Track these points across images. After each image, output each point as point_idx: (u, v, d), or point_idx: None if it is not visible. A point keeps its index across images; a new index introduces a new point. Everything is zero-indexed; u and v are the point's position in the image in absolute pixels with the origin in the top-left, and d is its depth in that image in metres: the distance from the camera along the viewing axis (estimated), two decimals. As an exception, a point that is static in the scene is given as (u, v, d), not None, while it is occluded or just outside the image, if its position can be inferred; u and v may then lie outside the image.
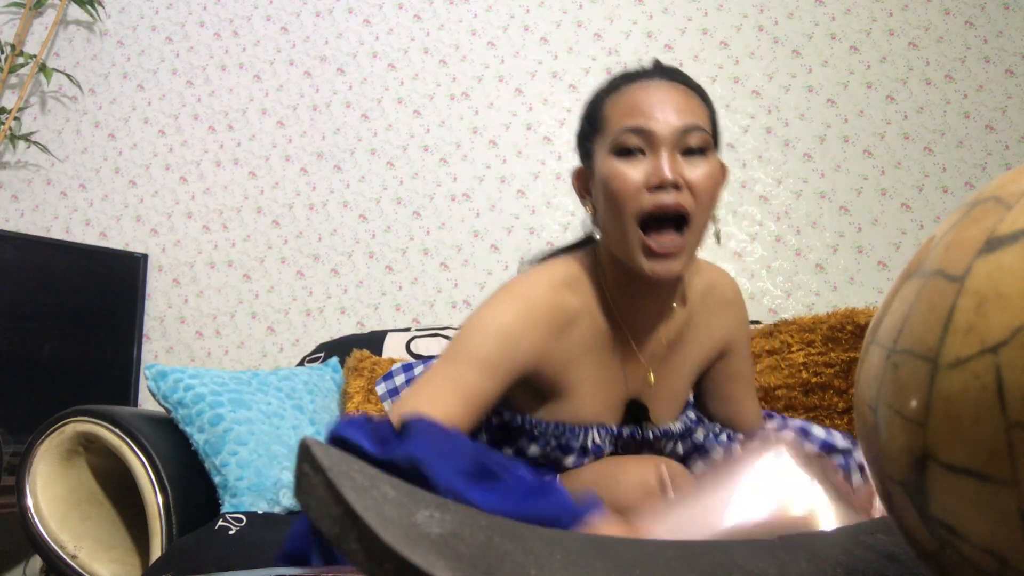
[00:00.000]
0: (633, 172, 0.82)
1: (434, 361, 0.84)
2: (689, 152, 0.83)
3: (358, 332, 1.97)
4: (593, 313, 0.90)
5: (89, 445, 1.32)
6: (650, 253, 0.82)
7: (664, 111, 0.82)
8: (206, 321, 2.07)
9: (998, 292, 0.27)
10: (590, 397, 0.90)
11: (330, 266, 2.06)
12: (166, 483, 1.26)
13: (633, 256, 0.83)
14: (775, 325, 1.58)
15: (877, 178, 1.96)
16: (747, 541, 0.48)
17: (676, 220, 0.82)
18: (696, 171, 0.82)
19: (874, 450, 0.34)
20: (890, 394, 0.32)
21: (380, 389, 1.17)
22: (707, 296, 0.98)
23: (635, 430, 0.93)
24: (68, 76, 2.16)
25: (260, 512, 1.32)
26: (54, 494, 1.29)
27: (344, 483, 0.32)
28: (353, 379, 1.64)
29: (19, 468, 1.28)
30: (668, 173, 0.80)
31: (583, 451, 0.90)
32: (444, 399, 0.77)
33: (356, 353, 1.69)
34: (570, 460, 0.91)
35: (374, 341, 1.78)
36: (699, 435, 1.01)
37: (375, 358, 1.69)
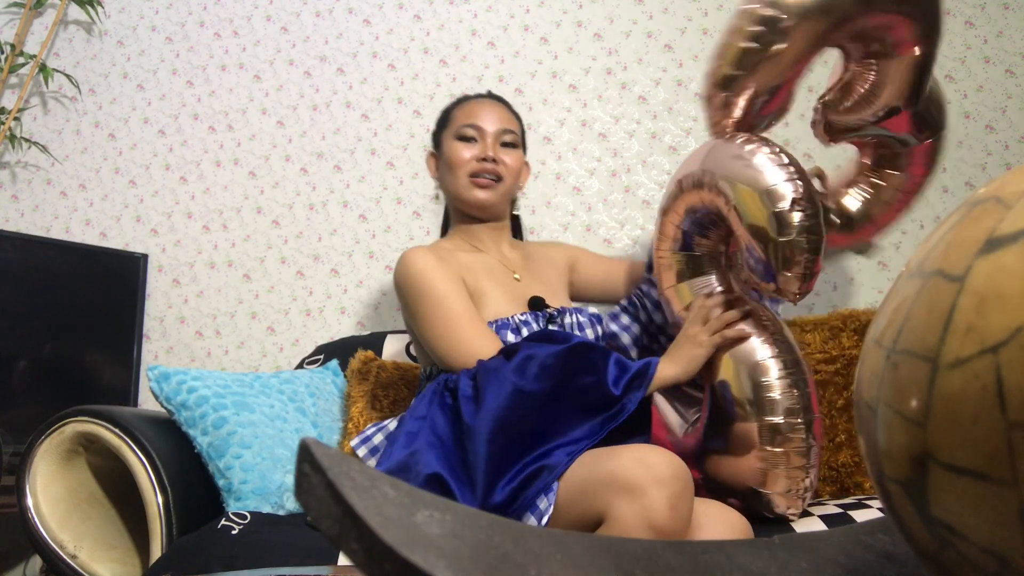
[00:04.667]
0: (467, 151, 1.39)
1: (422, 324, 1.27)
2: (505, 144, 1.41)
3: (358, 333, 1.97)
4: (463, 249, 1.41)
5: (89, 445, 1.32)
6: (476, 187, 1.38)
7: (491, 118, 1.41)
8: (206, 321, 2.07)
9: (998, 292, 0.27)
10: (499, 297, 1.33)
11: (330, 266, 2.06)
12: (166, 483, 1.26)
13: (464, 192, 1.39)
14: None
15: (877, 178, 1.95)
16: (747, 541, 0.48)
17: (495, 180, 1.39)
18: (508, 156, 1.41)
19: (874, 450, 0.34)
20: (890, 394, 0.32)
21: (361, 451, 1.32)
22: (540, 246, 1.56)
23: (542, 312, 1.34)
24: (68, 76, 2.16)
25: (264, 512, 1.32)
26: (54, 494, 1.29)
27: (344, 483, 0.32)
28: (357, 382, 1.63)
29: (19, 468, 1.28)
30: (490, 151, 1.38)
31: (517, 330, 1.29)
32: (469, 330, 1.23)
33: (360, 355, 1.67)
34: (513, 338, 1.27)
35: (374, 342, 1.78)
36: (608, 323, 1.40)
37: (379, 360, 1.68)
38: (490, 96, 1.49)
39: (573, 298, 1.53)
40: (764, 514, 1.15)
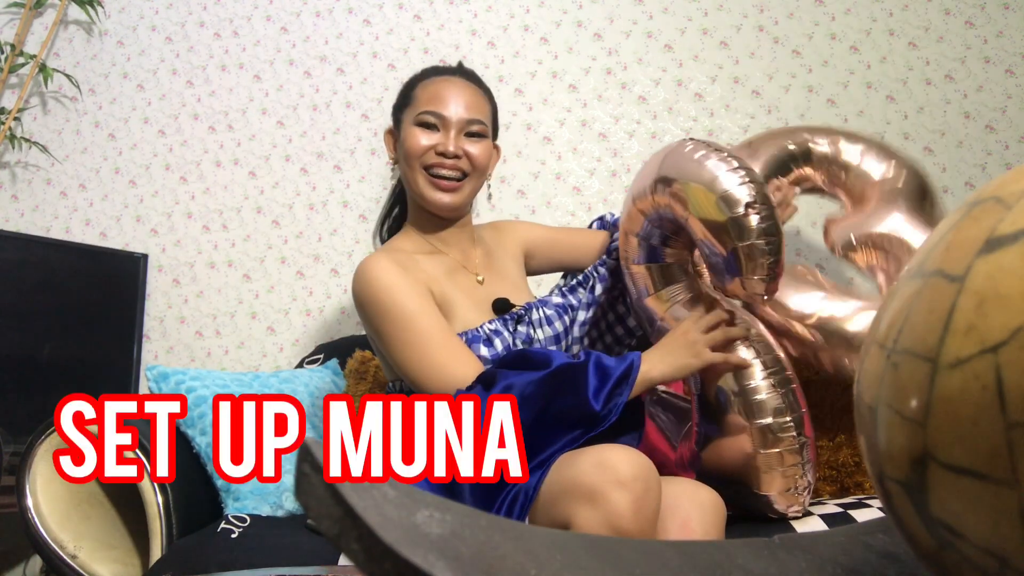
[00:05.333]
0: (425, 139, 1.25)
1: (392, 343, 1.16)
2: (471, 135, 1.27)
3: (358, 333, 1.97)
4: (423, 251, 1.29)
5: (89, 445, 1.32)
6: (436, 188, 1.25)
7: (456, 103, 1.26)
8: (206, 321, 2.07)
9: (998, 292, 0.27)
10: (466, 305, 1.24)
11: (330, 266, 2.06)
12: (166, 483, 1.26)
13: (424, 192, 1.26)
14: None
15: (877, 178, 1.95)
16: (747, 541, 0.48)
17: (458, 179, 1.26)
18: (474, 148, 1.26)
19: (874, 450, 0.34)
20: (890, 394, 0.32)
21: None
22: (493, 232, 1.44)
23: (510, 315, 1.26)
24: (68, 76, 2.16)
25: (264, 515, 1.32)
26: (54, 494, 1.29)
27: (344, 483, 0.32)
28: (355, 382, 1.63)
29: (19, 468, 1.28)
30: (452, 147, 1.24)
31: (489, 341, 1.21)
32: (444, 352, 1.13)
33: (359, 355, 1.67)
34: (486, 352, 1.20)
35: (374, 341, 1.78)
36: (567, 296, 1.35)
37: (377, 360, 1.68)
38: (460, 73, 1.34)
39: (531, 274, 1.46)
40: (767, 515, 1.15)
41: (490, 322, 1.24)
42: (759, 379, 1.14)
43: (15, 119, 2.11)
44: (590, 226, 1.52)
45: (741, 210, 1.08)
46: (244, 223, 2.10)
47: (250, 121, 2.14)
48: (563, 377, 1.07)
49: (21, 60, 2.11)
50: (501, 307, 1.28)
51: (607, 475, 0.92)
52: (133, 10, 2.22)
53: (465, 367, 1.13)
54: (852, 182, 1.46)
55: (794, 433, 1.12)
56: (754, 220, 1.08)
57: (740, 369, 1.14)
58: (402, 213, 1.41)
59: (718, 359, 1.13)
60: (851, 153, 1.46)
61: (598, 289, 1.35)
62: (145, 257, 2.05)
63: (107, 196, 2.15)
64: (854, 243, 1.40)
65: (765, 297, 1.13)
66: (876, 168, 1.44)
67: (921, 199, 1.41)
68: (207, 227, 2.11)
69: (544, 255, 1.46)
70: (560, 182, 2.04)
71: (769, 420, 1.12)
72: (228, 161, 2.13)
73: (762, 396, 1.13)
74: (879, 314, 0.36)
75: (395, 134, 1.32)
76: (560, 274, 1.52)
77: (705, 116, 2.04)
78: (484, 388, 1.08)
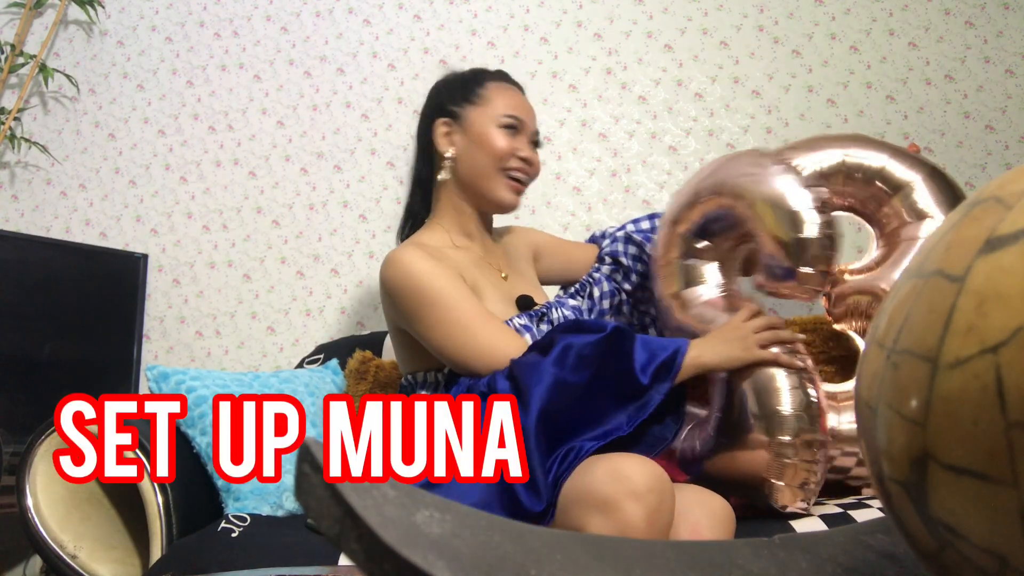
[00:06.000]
0: (509, 142, 1.30)
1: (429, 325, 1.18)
2: (534, 143, 1.36)
3: (358, 333, 1.97)
4: (447, 246, 1.30)
5: (89, 445, 1.32)
6: (510, 189, 1.32)
7: (531, 115, 1.36)
8: (206, 321, 2.07)
9: (998, 292, 0.27)
10: (494, 299, 1.26)
11: (330, 266, 2.06)
12: (166, 483, 1.26)
13: (496, 189, 1.31)
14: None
15: (877, 178, 1.95)
16: (747, 541, 0.48)
17: (525, 183, 1.35)
18: (536, 157, 1.36)
19: (874, 450, 0.34)
20: (890, 394, 0.32)
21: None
22: (508, 235, 1.49)
23: (533, 312, 1.29)
24: (68, 76, 2.16)
25: (264, 515, 1.32)
26: (54, 494, 1.29)
27: (344, 483, 0.32)
28: (355, 382, 1.63)
29: (19, 468, 1.28)
30: (531, 155, 1.34)
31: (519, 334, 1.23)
32: (489, 329, 1.16)
33: (359, 355, 1.67)
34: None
35: (374, 342, 1.78)
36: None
37: (378, 360, 1.68)
38: (518, 85, 1.41)
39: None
40: (772, 507, 1.15)
41: (518, 316, 1.27)
42: (781, 376, 1.16)
43: (15, 119, 2.11)
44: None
45: (806, 204, 1.16)
46: (244, 223, 2.10)
47: (250, 121, 2.14)
48: (619, 340, 1.09)
49: (21, 60, 2.11)
50: (525, 304, 1.30)
51: (622, 486, 0.92)
52: (133, 10, 2.22)
53: (513, 342, 1.16)
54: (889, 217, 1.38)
55: (810, 428, 1.14)
56: (815, 215, 1.16)
57: (786, 368, 1.17)
58: (422, 211, 1.42)
59: (767, 356, 1.16)
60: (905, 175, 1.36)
61: (596, 293, 1.42)
62: (145, 257, 2.05)
63: (107, 196, 2.15)
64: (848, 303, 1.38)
65: (817, 291, 1.19)
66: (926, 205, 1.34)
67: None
68: (207, 227, 2.11)
69: (548, 262, 1.51)
70: (560, 182, 2.04)
71: (789, 438, 1.13)
72: (228, 161, 2.13)
73: (786, 412, 1.14)
74: (879, 314, 0.36)
75: (453, 127, 1.33)
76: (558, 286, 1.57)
77: (705, 116, 2.04)
78: (541, 353, 1.09)
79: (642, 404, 1.08)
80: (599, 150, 2.05)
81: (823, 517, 1.16)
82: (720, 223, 1.27)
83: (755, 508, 1.17)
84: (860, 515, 1.15)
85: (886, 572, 0.43)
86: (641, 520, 0.90)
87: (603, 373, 1.07)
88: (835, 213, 1.43)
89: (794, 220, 1.17)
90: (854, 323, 1.40)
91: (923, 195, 1.34)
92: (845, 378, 1.49)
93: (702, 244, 1.30)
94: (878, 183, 1.37)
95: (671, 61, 2.07)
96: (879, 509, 1.15)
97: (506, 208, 1.34)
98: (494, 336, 1.16)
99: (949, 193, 1.34)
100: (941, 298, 0.30)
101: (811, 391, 1.16)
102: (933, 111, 1.98)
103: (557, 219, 2.03)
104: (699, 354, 1.14)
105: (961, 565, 0.30)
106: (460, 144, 1.31)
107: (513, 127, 1.30)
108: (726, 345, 1.16)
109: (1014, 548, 0.26)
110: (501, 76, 1.39)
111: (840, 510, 1.18)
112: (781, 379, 1.16)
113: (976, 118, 1.97)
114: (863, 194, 1.39)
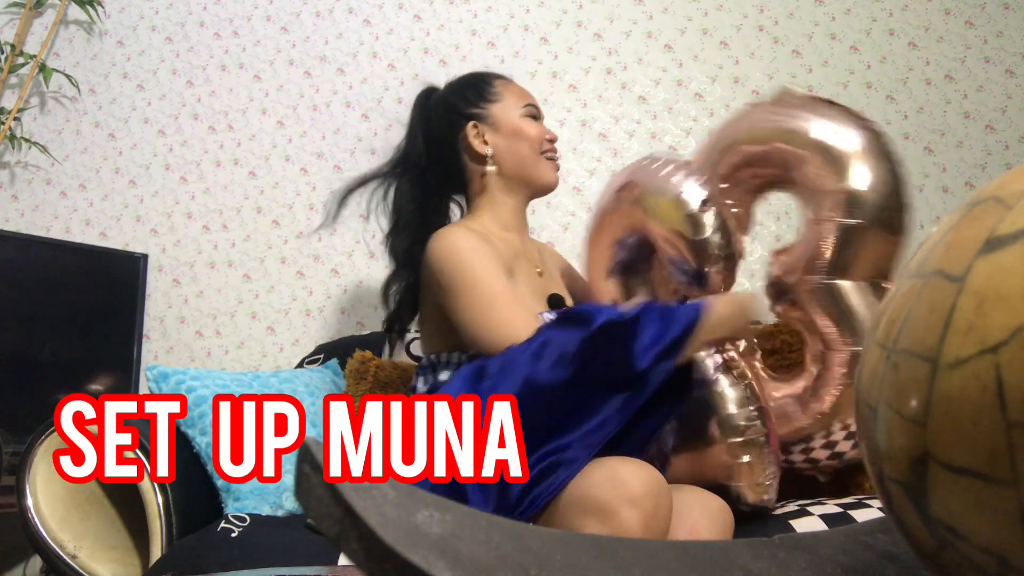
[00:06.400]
0: (537, 128, 1.38)
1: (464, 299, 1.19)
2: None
3: (358, 333, 1.97)
4: (491, 234, 1.32)
5: (89, 445, 1.32)
6: (553, 170, 1.40)
7: (536, 99, 1.43)
8: (206, 321, 2.07)
9: (998, 292, 0.27)
10: (526, 289, 1.29)
11: (330, 266, 2.06)
12: (166, 483, 1.26)
13: (542, 171, 1.38)
14: (775, 326, 1.58)
15: (877, 178, 1.95)
16: (747, 541, 0.48)
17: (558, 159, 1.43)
18: (554, 135, 1.43)
19: (874, 450, 0.34)
20: (890, 394, 0.32)
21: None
22: (540, 246, 1.51)
23: (562, 311, 1.27)
24: (68, 76, 2.16)
25: (264, 515, 1.32)
26: (54, 494, 1.29)
27: (344, 483, 0.32)
28: (355, 382, 1.63)
29: (19, 468, 1.28)
30: (553, 135, 1.41)
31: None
32: (507, 311, 1.16)
33: (359, 355, 1.67)
34: None
35: (374, 342, 1.78)
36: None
37: (378, 360, 1.68)
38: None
39: None
40: (739, 507, 1.16)
41: (548, 312, 1.26)
42: (731, 394, 1.20)
43: (15, 119, 2.11)
44: None
45: (696, 206, 1.20)
46: (244, 223, 2.10)
47: (250, 121, 2.14)
48: (609, 335, 1.01)
49: (21, 60, 2.11)
50: (556, 302, 1.33)
51: (619, 491, 0.91)
52: (133, 10, 2.22)
53: (527, 326, 1.12)
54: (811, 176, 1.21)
55: (758, 424, 1.17)
56: (709, 216, 1.20)
57: (728, 371, 1.21)
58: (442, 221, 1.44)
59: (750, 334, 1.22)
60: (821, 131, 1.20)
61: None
62: (145, 257, 2.05)
63: (107, 196, 2.15)
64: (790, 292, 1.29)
65: (724, 289, 1.23)
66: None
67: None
68: (207, 227, 2.11)
69: (568, 286, 1.49)
70: (560, 182, 2.03)
71: (734, 411, 1.17)
72: (228, 161, 2.13)
73: (723, 389, 1.19)
74: (879, 314, 0.36)
75: (480, 127, 1.39)
76: None
77: (705, 116, 2.04)
78: (526, 344, 1.05)
79: (638, 389, 1.01)
80: (599, 150, 2.05)
81: (823, 517, 1.16)
82: (632, 242, 1.33)
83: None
84: (860, 515, 1.15)
85: (886, 572, 0.43)
86: (637, 526, 0.90)
87: (589, 368, 1.00)
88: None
89: (679, 201, 1.22)
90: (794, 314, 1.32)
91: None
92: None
93: (626, 263, 1.36)
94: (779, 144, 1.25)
95: (671, 61, 2.07)
96: (879, 509, 1.15)
97: (553, 187, 1.41)
98: (513, 315, 1.15)
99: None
100: (941, 298, 0.30)
101: (748, 387, 1.21)
102: (933, 111, 1.98)
103: (557, 219, 2.03)
104: (717, 322, 1.09)
105: (961, 565, 0.30)
106: (495, 141, 1.37)
107: (533, 115, 1.39)
108: (737, 317, 1.17)
109: (1014, 548, 0.27)
110: (498, 74, 1.47)
111: (840, 510, 1.18)
112: (724, 384, 1.19)
113: (976, 118, 1.97)
114: (774, 159, 1.26)
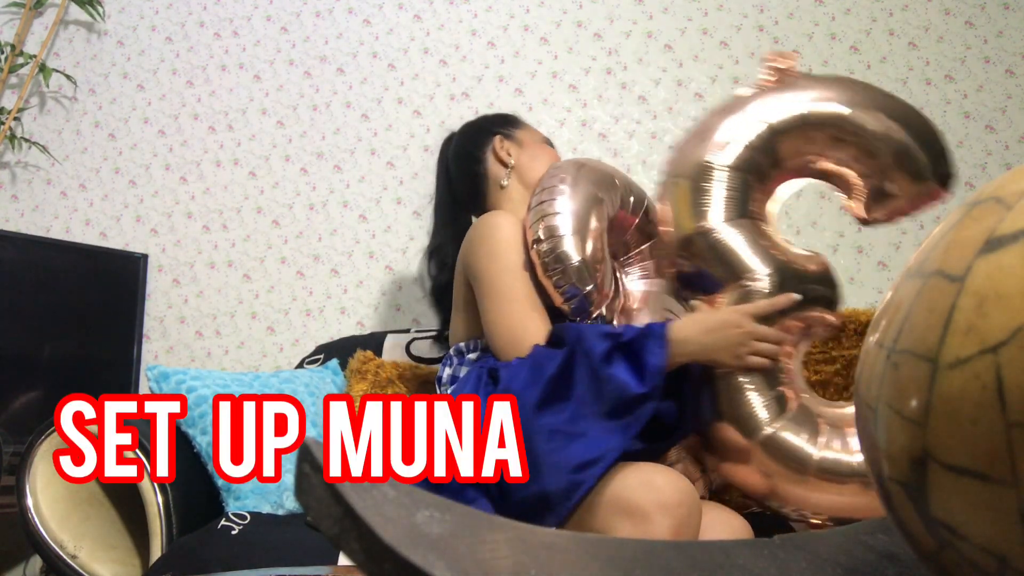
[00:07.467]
0: (555, 154, 1.48)
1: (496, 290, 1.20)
2: None
3: (358, 333, 1.97)
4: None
5: (89, 445, 1.32)
6: None
7: None
8: (206, 321, 2.07)
9: (998, 292, 0.27)
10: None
11: (330, 266, 2.06)
12: (166, 483, 1.26)
13: None
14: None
15: (877, 178, 1.95)
16: (747, 541, 0.48)
17: None
18: None
19: (874, 450, 0.34)
20: (890, 394, 0.32)
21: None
22: None
23: None
24: (67, 76, 2.16)
25: (264, 513, 1.32)
26: (54, 494, 1.29)
27: (344, 483, 0.32)
28: (356, 382, 1.63)
29: (19, 468, 1.28)
30: None
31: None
32: (526, 315, 1.18)
33: (359, 354, 1.67)
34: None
35: (374, 342, 1.78)
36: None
37: (378, 360, 1.68)
38: None
39: None
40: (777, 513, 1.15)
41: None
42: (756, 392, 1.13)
43: (15, 119, 2.11)
44: None
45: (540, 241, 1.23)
46: (244, 223, 2.10)
47: (250, 121, 2.14)
48: (574, 367, 1.05)
49: (21, 60, 2.11)
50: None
51: (653, 496, 0.94)
52: (133, 10, 2.22)
53: (538, 333, 1.16)
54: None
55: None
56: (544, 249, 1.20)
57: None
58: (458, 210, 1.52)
59: (755, 364, 1.08)
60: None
61: None
62: (145, 257, 2.05)
63: (107, 196, 2.15)
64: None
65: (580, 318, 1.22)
66: None
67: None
68: (207, 227, 2.11)
69: None
70: (560, 182, 2.03)
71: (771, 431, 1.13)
72: (228, 161, 2.13)
73: (759, 412, 1.11)
74: (879, 314, 0.36)
75: (506, 142, 1.48)
76: None
77: (705, 116, 2.04)
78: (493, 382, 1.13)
79: (630, 421, 1.02)
80: (599, 150, 2.05)
81: (823, 517, 1.16)
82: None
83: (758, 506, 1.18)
84: (860, 515, 1.15)
85: (886, 572, 0.43)
86: (669, 532, 0.92)
87: (576, 393, 1.04)
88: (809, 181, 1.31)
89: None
90: None
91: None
92: (846, 380, 1.49)
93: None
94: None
95: (671, 61, 2.07)
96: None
97: None
98: (528, 321, 1.17)
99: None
100: (941, 298, 0.30)
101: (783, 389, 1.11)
102: (933, 111, 1.98)
103: (557, 219, 2.03)
104: (683, 344, 1.06)
105: (961, 565, 0.30)
106: (518, 155, 1.46)
107: (550, 144, 1.51)
108: (718, 346, 1.07)
109: (1014, 548, 0.27)
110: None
111: (840, 510, 1.18)
112: (754, 380, 1.10)
113: (976, 118, 1.97)
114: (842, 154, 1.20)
